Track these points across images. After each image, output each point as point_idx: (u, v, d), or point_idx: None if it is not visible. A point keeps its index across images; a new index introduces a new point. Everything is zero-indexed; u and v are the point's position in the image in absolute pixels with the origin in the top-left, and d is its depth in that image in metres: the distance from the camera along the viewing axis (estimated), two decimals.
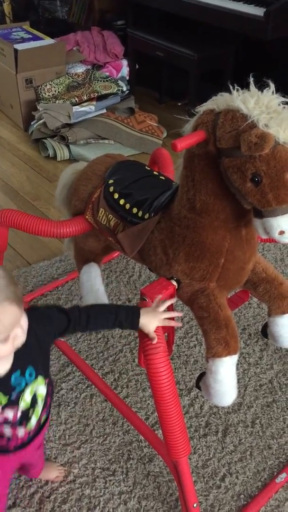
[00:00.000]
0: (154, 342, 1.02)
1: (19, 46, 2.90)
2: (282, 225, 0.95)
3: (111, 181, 1.31)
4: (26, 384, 0.95)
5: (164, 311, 1.07)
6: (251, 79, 0.97)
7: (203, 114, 1.00)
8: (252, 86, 0.97)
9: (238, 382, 1.17)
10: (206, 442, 1.39)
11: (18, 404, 0.95)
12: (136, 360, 1.59)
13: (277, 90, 0.98)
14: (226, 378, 1.10)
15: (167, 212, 1.15)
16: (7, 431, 0.98)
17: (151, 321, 1.03)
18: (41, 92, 2.94)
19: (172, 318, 1.11)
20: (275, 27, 2.40)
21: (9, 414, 0.95)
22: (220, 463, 1.34)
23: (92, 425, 1.43)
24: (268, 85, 0.98)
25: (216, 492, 1.28)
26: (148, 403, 1.48)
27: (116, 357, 1.62)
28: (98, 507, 1.24)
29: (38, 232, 1.39)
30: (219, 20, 2.57)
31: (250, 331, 1.72)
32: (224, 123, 0.95)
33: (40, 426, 1.06)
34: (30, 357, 0.95)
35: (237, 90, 0.97)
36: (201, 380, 1.17)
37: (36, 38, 3.09)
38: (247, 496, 1.27)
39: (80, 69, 3.12)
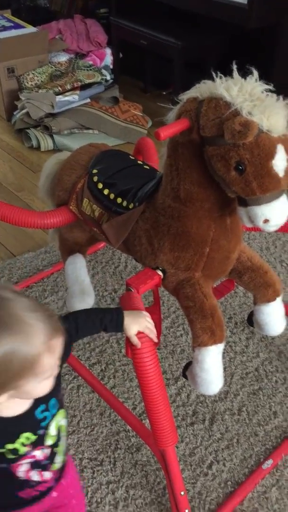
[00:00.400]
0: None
1: (0, 35, 2.85)
2: (266, 214, 0.95)
3: (95, 171, 1.29)
4: (52, 417, 0.86)
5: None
6: (234, 66, 0.96)
7: (186, 102, 0.99)
8: (235, 74, 0.97)
9: (224, 370, 1.17)
10: (193, 431, 1.39)
11: (44, 441, 0.85)
12: (123, 350, 1.59)
13: (261, 78, 0.97)
14: (212, 367, 1.10)
15: (151, 202, 1.15)
16: (35, 475, 0.87)
17: (131, 326, 0.99)
18: (23, 81, 2.90)
19: (159, 320, 1.09)
20: (259, 15, 2.39)
21: (38, 453, 0.85)
22: (207, 451, 1.35)
23: (79, 416, 1.42)
24: (251, 73, 0.97)
25: (204, 480, 1.29)
26: (135, 393, 1.48)
27: (103, 348, 1.62)
28: (86, 497, 1.24)
29: (22, 223, 1.37)
30: (203, 8, 2.55)
31: (236, 320, 1.73)
32: (207, 111, 0.94)
33: (62, 465, 0.95)
34: (53, 388, 0.84)
35: (220, 77, 0.96)
36: (188, 369, 1.17)
37: (17, 26, 3.04)
38: (234, 482, 1.29)
39: (63, 57, 3.08)
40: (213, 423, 1.41)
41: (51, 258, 1.98)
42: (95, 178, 1.28)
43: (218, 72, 0.97)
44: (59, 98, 2.77)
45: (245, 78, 0.96)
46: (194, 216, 1.06)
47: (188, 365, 1.18)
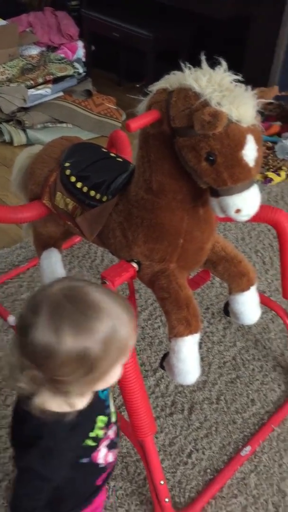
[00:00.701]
0: None
1: None
2: (237, 204, 0.96)
3: (67, 164, 1.28)
4: (109, 395, 0.88)
5: None
6: (203, 57, 0.96)
7: (156, 93, 0.99)
8: (204, 64, 0.96)
9: (202, 360, 1.18)
10: (172, 421, 1.41)
11: (111, 419, 0.87)
12: None
13: (231, 69, 0.97)
14: (188, 357, 1.11)
15: (125, 194, 1.14)
16: (111, 456, 0.88)
17: None
18: None
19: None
20: (232, 6, 2.40)
21: (110, 432, 0.87)
22: (187, 440, 1.36)
23: None
24: (220, 63, 0.97)
25: (183, 469, 1.30)
26: (114, 386, 1.48)
27: None
28: None
29: None
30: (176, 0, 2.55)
31: (213, 310, 1.74)
32: (177, 102, 0.94)
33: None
34: None
35: (189, 68, 0.96)
36: (165, 360, 1.18)
37: None
38: (214, 470, 1.30)
39: (34, 51, 3.03)
40: (192, 412, 1.43)
41: (26, 253, 1.96)
42: (68, 172, 1.27)
43: (187, 63, 0.97)
44: (31, 91, 2.74)
45: (214, 69, 0.96)
46: (167, 207, 1.06)
47: (166, 356, 1.18)
